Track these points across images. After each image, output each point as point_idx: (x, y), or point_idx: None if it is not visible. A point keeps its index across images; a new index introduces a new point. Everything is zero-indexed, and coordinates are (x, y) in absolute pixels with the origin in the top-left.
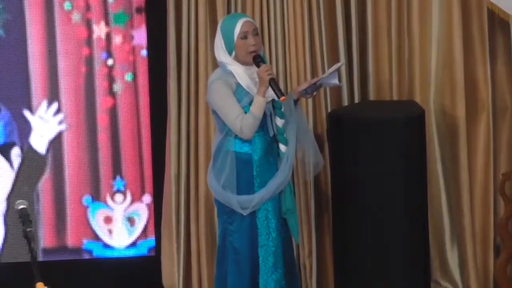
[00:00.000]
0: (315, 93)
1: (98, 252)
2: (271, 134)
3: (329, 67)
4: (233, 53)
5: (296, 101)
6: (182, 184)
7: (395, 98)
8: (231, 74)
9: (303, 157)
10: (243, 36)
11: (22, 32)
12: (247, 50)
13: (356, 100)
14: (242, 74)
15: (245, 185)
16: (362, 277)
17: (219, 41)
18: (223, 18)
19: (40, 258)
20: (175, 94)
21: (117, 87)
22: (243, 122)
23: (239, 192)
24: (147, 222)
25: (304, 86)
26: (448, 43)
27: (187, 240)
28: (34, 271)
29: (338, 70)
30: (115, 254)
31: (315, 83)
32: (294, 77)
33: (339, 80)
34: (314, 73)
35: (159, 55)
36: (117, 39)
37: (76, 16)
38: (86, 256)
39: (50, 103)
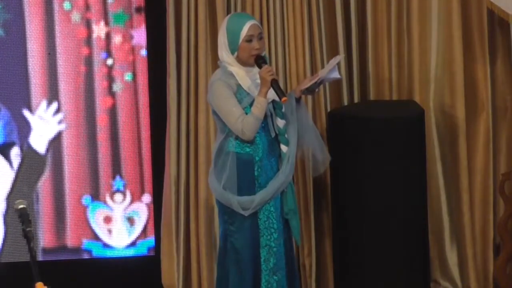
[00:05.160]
0: (317, 90)
1: (98, 252)
2: (273, 135)
3: None
4: (236, 53)
5: (298, 100)
6: (182, 184)
7: (395, 98)
8: (231, 75)
9: (308, 155)
10: (249, 39)
11: (21, 32)
12: (250, 53)
13: (356, 100)
14: (243, 75)
15: (246, 186)
16: (362, 277)
17: (223, 39)
18: (229, 16)
19: (40, 257)
20: (175, 94)
21: (117, 86)
22: (244, 123)
23: (240, 193)
24: (147, 221)
25: (304, 84)
26: (448, 43)
27: (187, 240)
28: (33, 270)
29: (338, 63)
30: (114, 254)
31: (316, 81)
32: (293, 77)
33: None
34: (314, 73)
35: (158, 55)
36: (116, 39)
37: (75, 16)
38: (86, 256)
39: (49, 103)
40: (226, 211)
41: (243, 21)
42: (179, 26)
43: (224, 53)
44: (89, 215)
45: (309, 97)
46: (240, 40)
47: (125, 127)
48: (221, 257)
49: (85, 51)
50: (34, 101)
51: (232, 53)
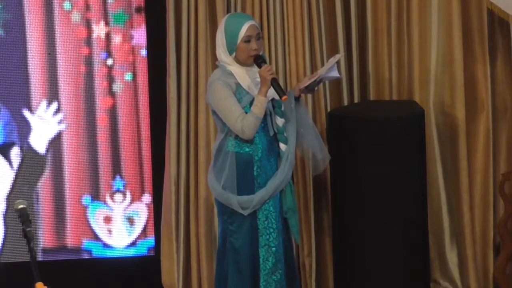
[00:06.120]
0: (316, 88)
1: (98, 252)
2: (271, 133)
3: None
4: (234, 54)
5: (297, 98)
6: (182, 184)
7: (395, 97)
8: (231, 74)
9: (308, 153)
10: (247, 39)
11: (21, 32)
12: (249, 54)
13: (356, 100)
14: (242, 74)
15: (245, 186)
16: (362, 277)
17: (220, 39)
18: (228, 16)
19: (40, 258)
20: (175, 94)
21: (117, 87)
22: (244, 123)
23: (239, 193)
24: (147, 221)
25: (304, 82)
26: (448, 43)
27: (187, 240)
28: (33, 271)
29: (337, 62)
30: (114, 254)
31: (315, 79)
32: (293, 77)
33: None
34: (313, 73)
35: (158, 55)
36: (116, 39)
37: (75, 16)
38: (86, 256)
39: (49, 103)
40: (226, 211)
41: (241, 22)
42: (179, 26)
43: (222, 54)
44: (89, 215)
45: (309, 97)
46: (238, 41)
47: (125, 127)
48: (220, 257)
49: (85, 51)
50: (34, 101)
51: (230, 53)
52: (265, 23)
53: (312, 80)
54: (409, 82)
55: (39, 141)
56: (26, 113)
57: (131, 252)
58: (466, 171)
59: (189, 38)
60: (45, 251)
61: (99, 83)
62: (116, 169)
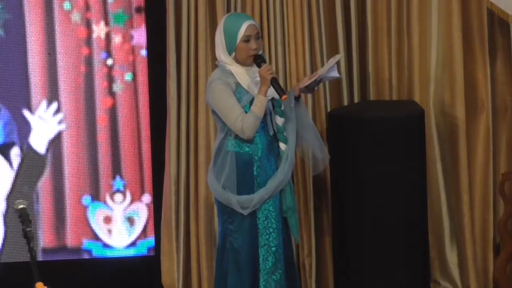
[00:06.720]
0: (316, 88)
1: (98, 252)
2: (271, 133)
3: None
4: (233, 53)
5: (297, 98)
6: (182, 184)
7: (395, 98)
8: (230, 74)
9: (308, 153)
10: (246, 39)
11: (21, 32)
12: (248, 53)
13: (356, 100)
14: (242, 74)
15: (245, 185)
16: (362, 277)
17: (220, 39)
18: (227, 16)
19: (40, 258)
20: (175, 94)
21: (117, 87)
22: (244, 122)
23: (239, 192)
24: (147, 221)
25: (304, 82)
26: (448, 43)
27: (187, 240)
28: (33, 271)
29: (337, 62)
30: (114, 254)
31: (315, 79)
32: (293, 77)
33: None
34: (313, 73)
35: (158, 55)
36: (116, 39)
37: (75, 16)
38: (86, 256)
39: (49, 103)
40: (225, 211)
41: (240, 22)
42: (179, 26)
43: (221, 53)
44: (89, 215)
45: (309, 97)
46: (238, 41)
47: (125, 127)
48: (219, 256)
49: (85, 51)
50: (34, 101)
51: (230, 53)
52: (265, 23)
53: (312, 80)
54: (409, 82)
55: (39, 141)
56: (26, 113)
57: (131, 252)
58: (466, 171)
59: (189, 38)
60: (45, 251)
61: (99, 83)
62: (116, 169)
